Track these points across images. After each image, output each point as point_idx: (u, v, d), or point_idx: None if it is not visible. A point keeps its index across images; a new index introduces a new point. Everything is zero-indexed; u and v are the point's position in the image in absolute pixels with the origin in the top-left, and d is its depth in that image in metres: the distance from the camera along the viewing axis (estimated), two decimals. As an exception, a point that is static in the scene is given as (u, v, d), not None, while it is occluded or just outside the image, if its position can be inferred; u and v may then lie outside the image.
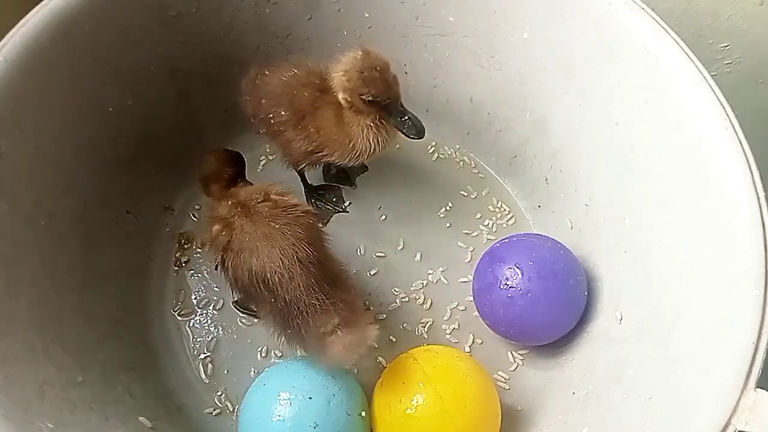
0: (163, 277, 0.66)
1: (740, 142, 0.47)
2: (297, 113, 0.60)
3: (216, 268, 0.53)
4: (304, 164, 0.64)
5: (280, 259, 0.47)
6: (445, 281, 0.67)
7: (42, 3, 0.53)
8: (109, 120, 0.60)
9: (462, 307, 0.66)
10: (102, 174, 0.60)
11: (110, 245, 0.61)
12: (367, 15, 0.68)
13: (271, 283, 0.48)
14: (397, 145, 0.75)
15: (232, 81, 0.69)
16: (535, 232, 0.69)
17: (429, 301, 0.66)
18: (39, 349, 0.48)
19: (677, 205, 0.51)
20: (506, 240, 0.62)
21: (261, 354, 0.63)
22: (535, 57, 0.63)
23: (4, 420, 0.41)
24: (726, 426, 0.40)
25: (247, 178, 0.60)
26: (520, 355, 0.63)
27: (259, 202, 0.52)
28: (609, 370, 0.53)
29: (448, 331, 0.64)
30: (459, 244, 0.69)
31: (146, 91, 0.63)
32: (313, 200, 0.71)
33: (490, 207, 0.72)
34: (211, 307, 0.65)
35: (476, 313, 0.62)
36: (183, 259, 0.68)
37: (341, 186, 0.73)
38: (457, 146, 0.76)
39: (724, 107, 0.48)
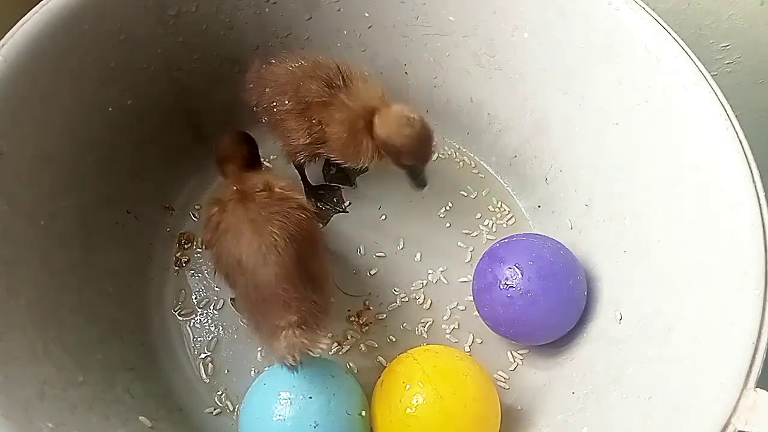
0: (163, 277, 0.66)
1: (740, 142, 0.47)
2: (301, 103, 0.59)
3: (204, 247, 0.53)
4: (302, 157, 0.63)
5: (259, 243, 0.47)
6: (445, 281, 0.67)
7: (42, 3, 0.53)
8: (109, 120, 0.60)
9: (462, 307, 0.66)
10: (102, 174, 0.60)
11: (110, 245, 0.61)
12: (367, 15, 0.67)
13: (244, 265, 0.48)
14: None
15: (232, 81, 0.69)
16: (535, 232, 0.69)
17: (429, 301, 0.66)
18: (39, 349, 0.48)
19: (677, 205, 0.51)
20: (506, 240, 0.62)
21: (261, 354, 0.63)
22: (535, 57, 0.63)
23: (4, 420, 0.41)
24: (726, 426, 0.40)
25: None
26: (520, 355, 0.63)
27: (258, 191, 0.52)
28: (609, 370, 0.53)
29: (448, 331, 0.64)
30: (459, 244, 0.69)
31: (146, 91, 0.63)
32: (312, 200, 0.71)
33: (490, 207, 0.72)
34: (211, 307, 0.65)
35: (476, 313, 0.62)
36: (183, 259, 0.68)
37: (341, 186, 0.73)
38: (457, 146, 0.76)
39: (724, 107, 0.48)
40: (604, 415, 0.51)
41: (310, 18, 0.67)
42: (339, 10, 0.67)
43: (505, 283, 0.57)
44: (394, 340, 0.64)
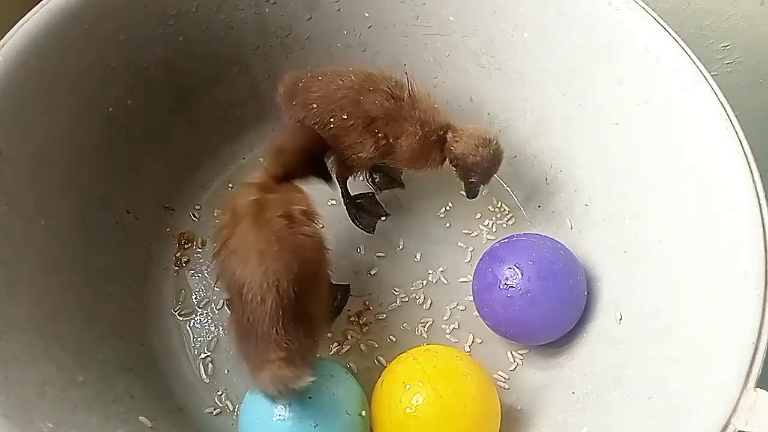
0: (163, 277, 0.66)
1: (740, 142, 0.47)
2: (364, 118, 0.59)
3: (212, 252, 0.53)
4: (361, 169, 0.64)
5: (261, 280, 0.46)
6: (445, 281, 0.67)
7: (42, 3, 0.53)
8: (109, 120, 0.60)
9: (462, 307, 0.65)
10: (102, 174, 0.60)
11: (110, 245, 0.61)
12: (367, 15, 0.67)
13: (244, 296, 0.47)
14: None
15: (232, 81, 0.69)
16: (535, 232, 0.69)
17: (429, 301, 0.66)
18: (39, 349, 0.48)
19: (677, 205, 0.51)
20: (506, 240, 0.62)
21: (261, 354, 0.63)
22: (535, 57, 0.63)
23: (4, 420, 0.41)
24: (726, 426, 0.40)
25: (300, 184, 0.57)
26: (520, 354, 0.63)
27: (277, 215, 0.50)
28: (609, 370, 0.53)
29: (448, 331, 0.64)
30: (459, 244, 0.69)
31: (146, 91, 0.63)
32: (354, 211, 0.69)
33: (490, 207, 0.72)
34: (211, 307, 0.65)
35: (476, 313, 0.62)
36: (183, 259, 0.68)
37: (375, 191, 0.72)
38: (457, 146, 0.76)
39: (724, 107, 0.48)
40: (604, 415, 0.51)
41: (310, 18, 0.67)
42: (339, 10, 0.67)
43: (505, 283, 0.57)
44: (394, 340, 0.64)
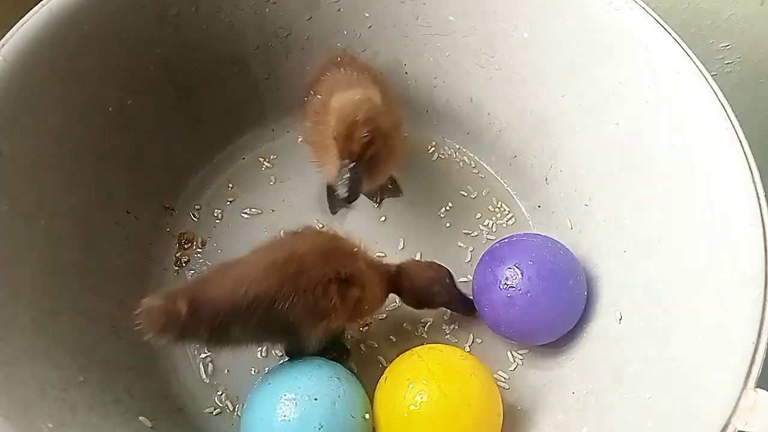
0: (163, 277, 0.66)
1: (740, 142, 0.47)
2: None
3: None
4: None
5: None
6: (445, 281, 0.67)
7: (42, 3, 0.53)
8: (109, 120, 0.60)
9: (462, 307, 0.65)
10: (102, 174, 0.60)
11: (110, 245, 0.61)
12: (367, 15, 0.67)
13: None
14: (397, 145, 0.76)
15: (232, 81, 0.69)
16: (535, 232, 0.69)
17: (429, 301, 0.66)
18: (39, 349, 0.48)
19: (677, 205, 0.51)
20: (506, 240, 0.62)
21: (261, 353, 0.63)
22: (535, 57, 0.63)
23: (4, 420, 0.41)
24: (726, 426, 0.40)
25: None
26: (520, 354, 0.63)
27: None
28: (609, 370, 0.53)
29: (447, 331, 0.64)
30: (459, 244, 0.69)
31: (146, 91, 0.63)
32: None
33: (490, 207, 0.72)
34: (211, 307, 0.65)
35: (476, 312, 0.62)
36: (183, 259, 0.68)
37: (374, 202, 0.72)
38: (457, 146, 0.76)
39: (724, 107, 0.48)
40: (604, 415, 0.51)
41: (310, 18, 0.67)
42: (339, 10, 0.67)
43: (505, 283, 0.57)
44: (394, 340, 0.64)
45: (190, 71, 0.66)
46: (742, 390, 0.40)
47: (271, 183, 0.72)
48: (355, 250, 0.53)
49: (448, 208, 0.72)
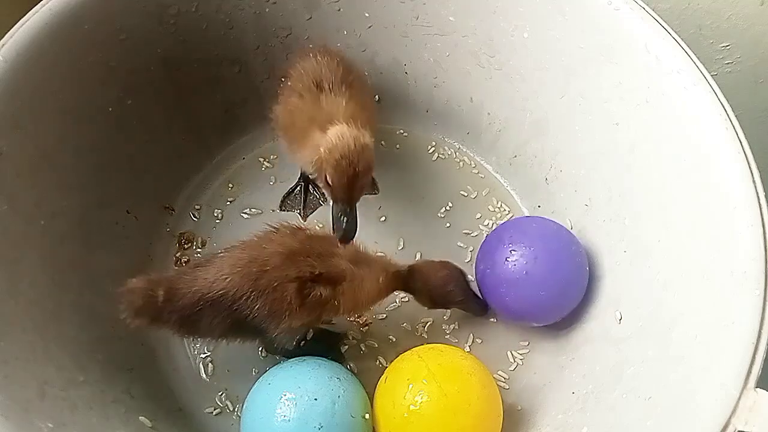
0: (163, 277, 0.66)
1: (740, 142, 0.47)
2: None
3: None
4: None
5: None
6: (445, 281, 0.67)
7: (42, 3, 0.53)
8: (109, 120, 0.60)
9: (462, 307, 0.65)
10: (102, 174, 0.60)
11: (110, 245, 0.61)
12: (367, 15, 0.68)
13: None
14: (397, 146, 0.76)
15: (232, 81, 0.69)
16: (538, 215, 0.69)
17: (429, 301, 0.66)
18: (39, 349, 0.48)
19: (677, 205, 0.51)
20: (509, 222, 0.63)
21: (261, 353, 0.63)
22: (535, 57, 0.63)
23: (4, 420, 0.41)
24: (726, 426, 0.40)
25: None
26: (520, 355, 0.63)
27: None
28: (609, 370, 0.53)
29: (448, 331, 0.64)
30: (459, 244, 0.69)
31: (146, 91, 0.63)
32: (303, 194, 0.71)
33: (490, 207, 0.72)
34: (211, 307, 0.65)
35: (476, 312, 0.62)
36: (183, 259, 0.68)
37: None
38: (457, 146, 0.76)
39: (724, 107, 0.48)
40: (604, 415, 0.51)
41: (310, 18, 0.67)
42: (339, 10, 0.67)
43: (508, 264, 0.57)
44: (394, 340, 0.64)
45: (190, 71, 0.66)
46: (742, 390, 0.40)
47: (271, 183, 0.72)
48: (335, 249, 0.53)
49: (448, 208, 0.72)
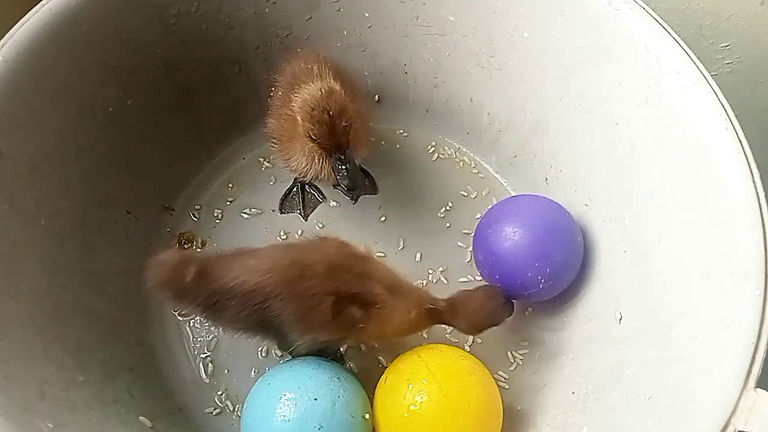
0: (163, 277, 0.66)
1: (740, 142, 0.47)
2: None
3: None
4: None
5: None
6: (445, 281, 0.67)
7: (42, 3, 0.53)
8: (109, 120, 0.60)
9: (462, 307, 0.65)
10: (102, 174, 0.60)
11: (110, 245, 0.61)
12: (367, 15, 0.67)
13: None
14: (397, 146, 0.76)
15: (232, 81, 0.69)
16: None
17: (429, 301, 0.66)
18: (39, 349, 0.48)
19: (677, 205, 0.51)
20: (507, 199, 0.64)
21: (261, 354, 0.63)
22: (535, 57, 0.63)
23: (4, 420, 0.41)
24: (726, 426, 0.40)
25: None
26: (520, 354, 0.63)
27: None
28: (609, 370, 0.53)
29: (448, 331, 0.64)
30: (459, 244, 0.69)
31: (146, 91, 0.63)
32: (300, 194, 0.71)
33: (490, 207, 0.72)
34: (211, 307, 0.65)
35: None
36: (183, 259, 0.68)
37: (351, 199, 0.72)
38: (457, 146, 0.76)
39: (724, 107, 0.48)
40: (604, 415, 0.51)
41: (310, 18, 0.67)
42: (339, 10, 0.67)
43: (506, 237, 0.58)
44: (394, 340, 0.63)
45: (190, 71, 0.66)
46: (742, 390, 0.40)
47: (271, 183, 0.72)
48: (375, 271, 0.52)
49: (448, 208, 0.72)
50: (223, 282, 0.48)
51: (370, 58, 0.71)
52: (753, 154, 0.46)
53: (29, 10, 0.52)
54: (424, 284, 0.67)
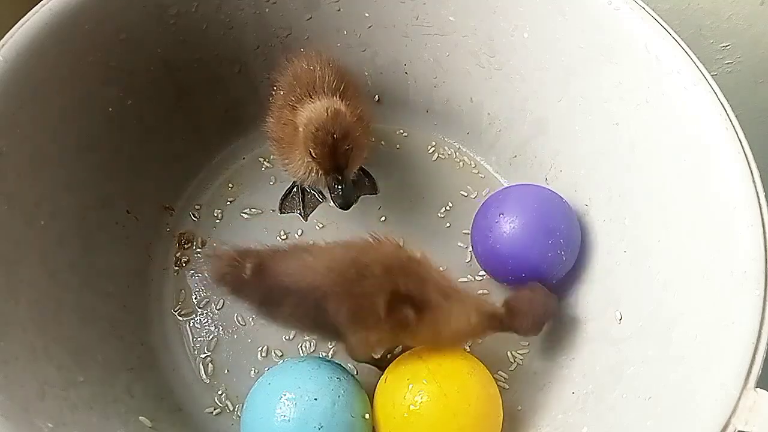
0: (163, 277, 0.66)
1: (740, 142, 0.47)
2: None
3: None
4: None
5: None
6: (445, 281, 0.67)
7: (42, 3, 0.53)
8: (109, 120, 0.60)
9: (462, 307, 0.65)
10: (102, 174, 0.60)
11: (110, 245, 0.61)
12: (367, 15, 0.67)
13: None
14: (397, 146, 0.76)
15: (232, 81, 0.69)
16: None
17: (429, 301, 0.66)
18: (39, 349, 0.48)
19: (677, 205, 0.51)
20: (504, 189, 0.65)
21: (261, 354, 0.63)
22: (535, 57, 0.63)
23: (4, 420, 0.41)
24: (726, 426, 0.40)
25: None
26: (520, 354, 0.63)
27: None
28: (609, 370, 0.53)
29: (448, 331, 0.64)
30: (459, 244, 0.69)
31: (146, 91, 0.63)
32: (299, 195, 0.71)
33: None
34: (211, 307, 0.65)
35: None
36: (183, 259, 0.68)
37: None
38: (457, 146, 0.76)
39: (724, 107, 0.48)
40: (604, 415, 0.51)
41: (310, 18, 0.67)
42: (339, 10, 0.67)
43: (504, 226, 0.59)
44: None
45: (190, 71, 0.66)
46: (742, 390, 0.40)
47: (271, 183, 0.72)
48: (431, 276, 0.52)
49: (448, 208, 0.72)
50: (280, 278, 0.48)
51: (370, 58, 0.71)
52: (753, 154, 0.46)
53: (29, 10, 0.52)
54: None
